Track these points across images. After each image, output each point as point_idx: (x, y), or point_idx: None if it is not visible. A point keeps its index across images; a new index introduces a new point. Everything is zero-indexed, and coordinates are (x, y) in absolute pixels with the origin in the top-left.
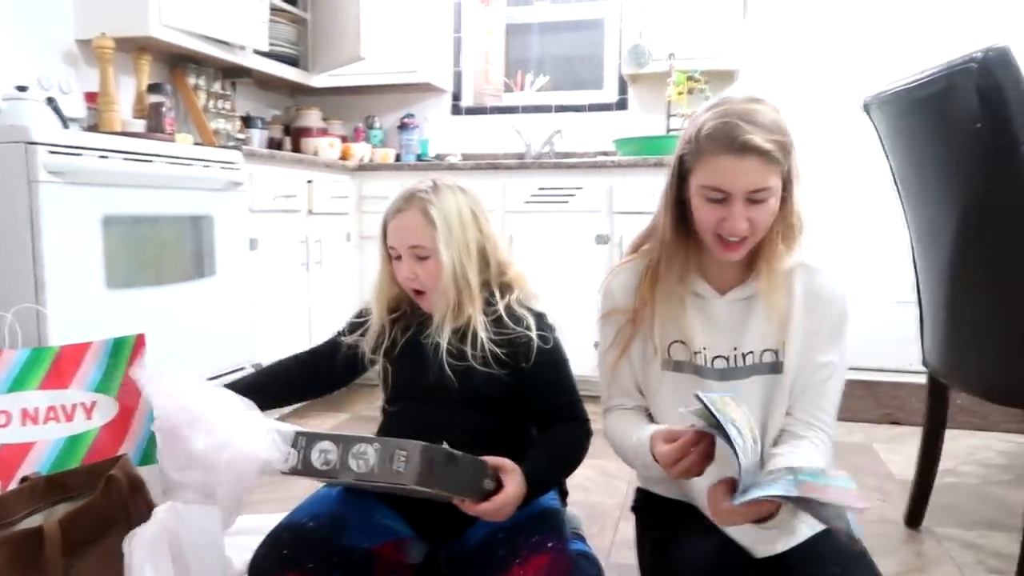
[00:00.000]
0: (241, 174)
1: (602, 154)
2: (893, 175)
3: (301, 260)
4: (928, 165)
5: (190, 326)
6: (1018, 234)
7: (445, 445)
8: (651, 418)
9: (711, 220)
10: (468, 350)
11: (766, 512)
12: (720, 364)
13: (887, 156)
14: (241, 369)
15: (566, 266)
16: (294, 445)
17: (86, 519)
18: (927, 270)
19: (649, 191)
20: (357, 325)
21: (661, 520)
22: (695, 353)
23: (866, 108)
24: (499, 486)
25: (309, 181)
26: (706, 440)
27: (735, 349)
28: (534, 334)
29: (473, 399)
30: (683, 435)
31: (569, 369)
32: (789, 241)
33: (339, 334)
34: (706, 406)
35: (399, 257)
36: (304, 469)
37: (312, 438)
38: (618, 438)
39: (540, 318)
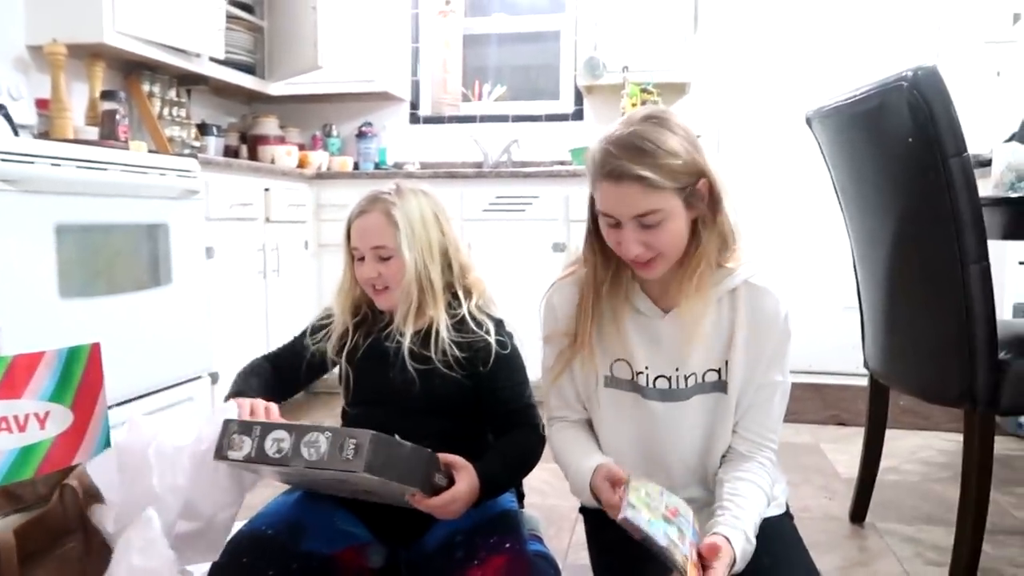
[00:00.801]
0: (197, 182)
1: (559, 163)
2: (835, 185)
3: (258, 268)
4: (866, 176)
5: (146, 335)
6: (948, 242)
7: (396, 437)
8: (593, 431)
9: (612, 243)
10: (431, 352)
11: None
12: (662, 384)
13: (828, 167)
14: (198, 378)
15: (523, 273)
16: (250, 434)
17: (40, 529)
18: (866, 277)
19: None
20: (320, 328)
21: (608, 521)
22: (637, 373)
23: (808, 122)
24: (451, 483)
25: (266, 189)
26: None
27: (677, 370)
28: (492, 339)
29: (433, 403)
30: (619, 479)
31: (525, 375)
32: (725, 256)
33: (302, 336)
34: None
35: (362, 258)
36: (258, 457)
37: (268, 427)
38: (560, 454)
39: (499, 324)
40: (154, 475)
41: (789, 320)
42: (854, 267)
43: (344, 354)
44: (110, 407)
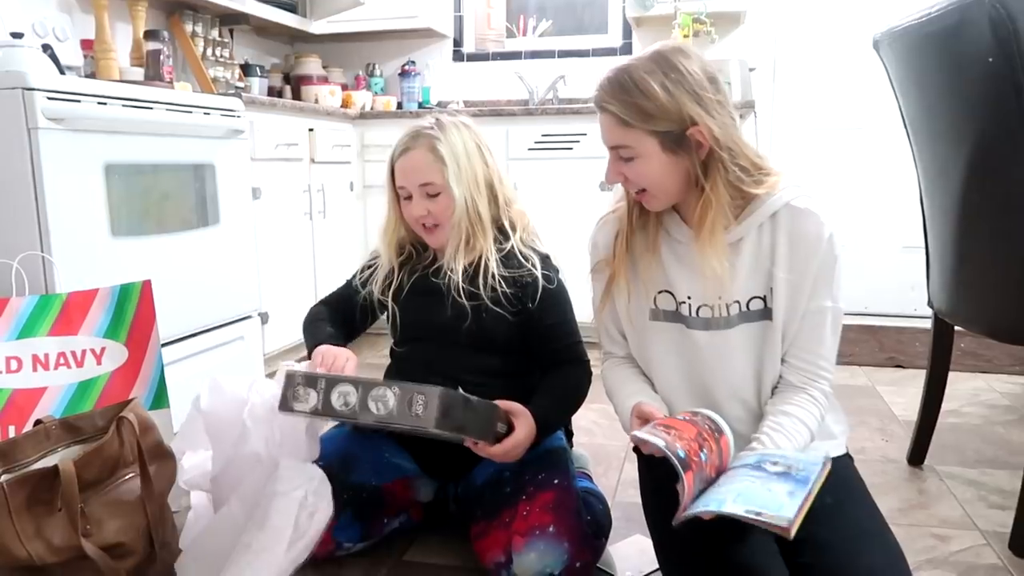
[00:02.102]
0: (242, 122)
1: None
2: (902, 114)
3: (304, 209)
4: (939, 102)
5: (194, 274)
6: None
7: (460, 390)
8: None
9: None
10: (479, 287)
11: None
12: (705, 313)
13: (896, 95)
14: (248, 318)
15: (570, 213)
16: (315, 387)
17: (99, 459)
18: (935, 209)
19: None
20: (367, 270)
21: (659, 460)
22: (680, 303)
23: (876, 45)
24: (510, 429)
25: (311, 129)
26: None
27: (720, 298)
28: (539, 274)
29: (481, 338)
30: (653, 417)
31: (572, 311)
32: (754, 185)
33: (351, 280)
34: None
35: (409, 197)
36: (324, 410)
37: (332, 381)
38: (609, 391)
39: (545, 259)
40: (254, 438)
41: (835, 242)
42: (920, 201)
43: (391, 293)
44: (162, 345)
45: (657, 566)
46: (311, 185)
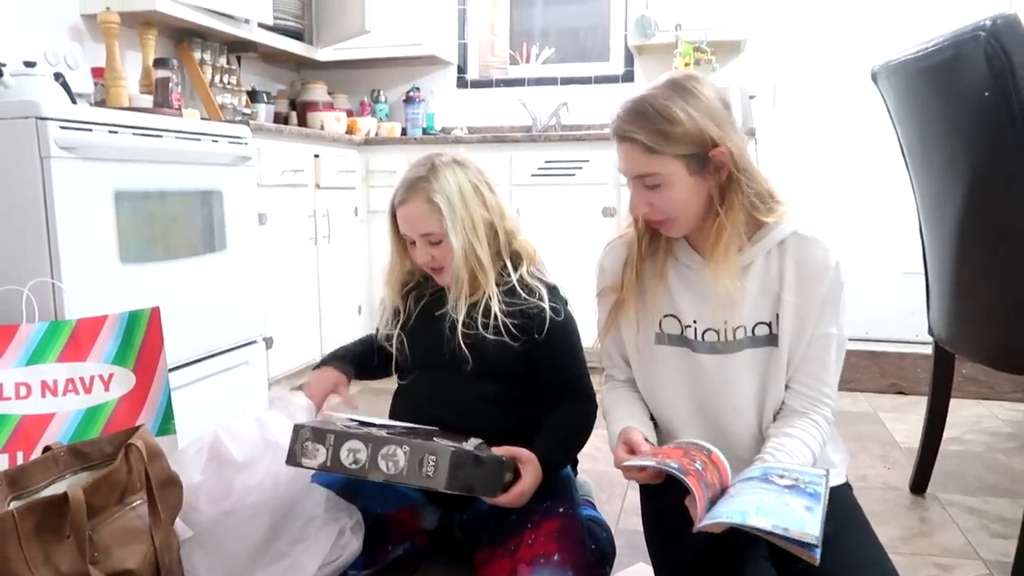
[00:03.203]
0: (249, 149)
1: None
2: (901, 145)
3: (310, 235)
4: (935, 134)
5: (201, 300)
6: (1021, 201)
7: (470, 445)
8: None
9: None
10: (481, 321)
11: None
12: (711, 337)
13: (895, 125)
14: (253, 343)
15: (573, 239)
16: (323, 442)
17: (107, 486)
18: (933, 239)
19: None
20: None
21: (662, 486)
22: (686, 326)
23: (874, 77)
24: (517, 475)
25: (316, 155)
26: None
27: (726, 322)
28: (547, 305)
29: (486, 368)
30: (639, 447)
31: (579, 343)
32: (766, 214)
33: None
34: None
35: (413, 243)
36: (333, 467)
37: (342, 437)
38: (605, 414)
39: (553, 291)
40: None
41: (840, 270)
42: (920, 229)
43: (399, 324)
44: (172, 369)
45: None
46: (316, 210)
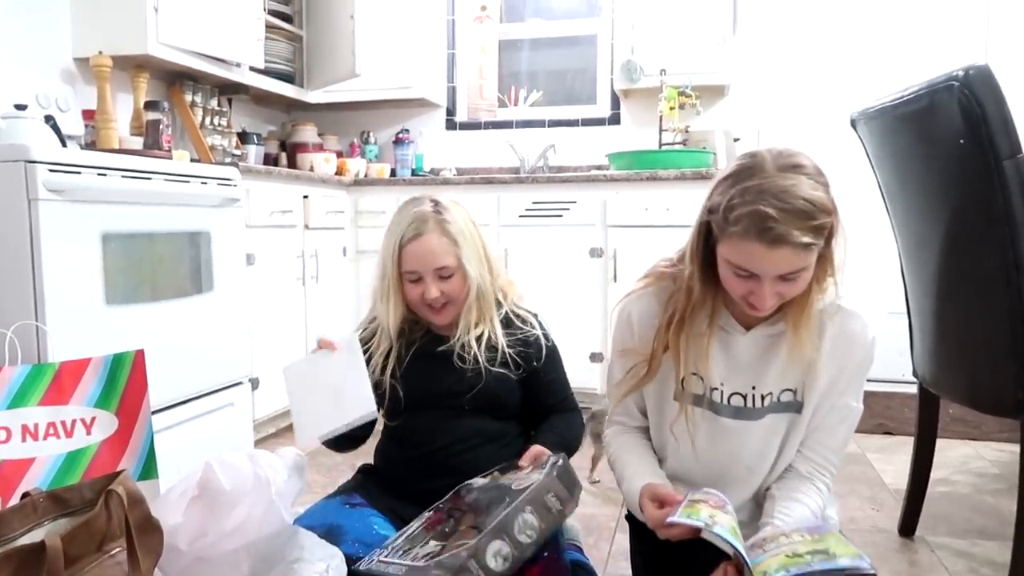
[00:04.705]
0: (238, 190)
1: (596, 168)
2: (880, 189)
3: (297, 275)
4: (915, 179)
5: (188, 341)
6: (1000, 246)
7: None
8: (650, 439)
9: (738, 291)
10: (486, 355)
11: None
12: (737, 402)
13: (874, 170)
14: (239, 384)
15: (561, 279)
16: None
17: (86, 534)
18: (915, 282)
19: (642, 205)
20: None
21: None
22: (712, 389)
23: (853, 123)
24: None
25: (305, 196)
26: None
27: (754, 388)
28: (540, 333)
29: (484, 403)
30: (669, 501)
31: (564, 366)
32: (823, 283)
33: None
34: (723, 539)
35: (417, 280)
36: None
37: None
38: (614, 460)
39: (537, 317)
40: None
41: (874, 347)
42: (901, 272)
43: (390, 370)
44: (154, 412)
45: None
46: (304, 251)
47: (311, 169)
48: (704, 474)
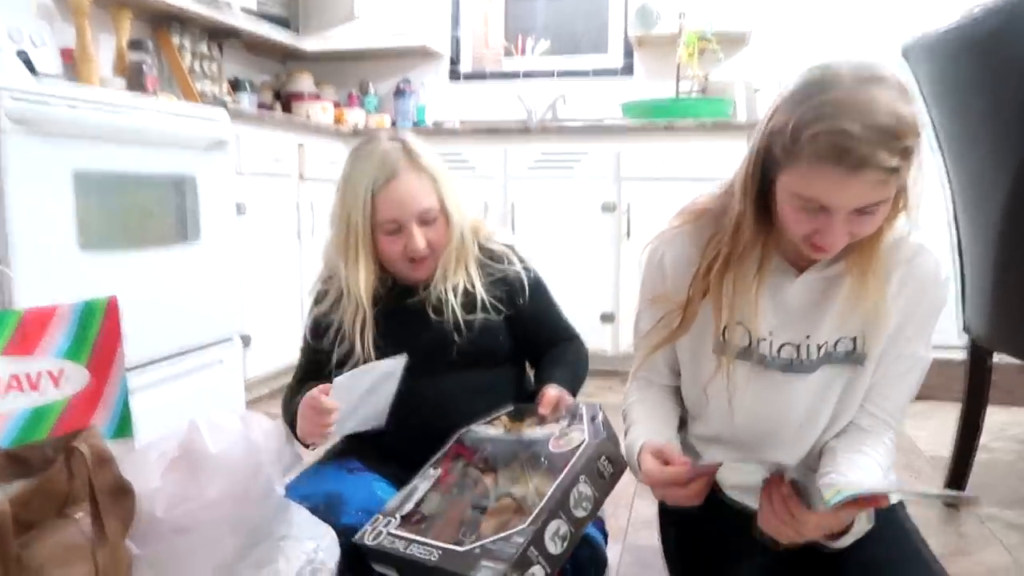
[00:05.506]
0: (226, 132)
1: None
2: (935, 129)
3: (293, 228)
4: (979, 114)
5: (172, 293)
6: None
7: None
8: (679, 399)
9: (801, 230)
10: (463, 302)
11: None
12: (787, 354)
13: (929, 109)
14: (228, 340)
15: (571, 235)
16: None
17: (41, 497)
18: (973, 231)
19: (658, 156)
20: (322, 328)
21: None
22: (760, 340)
23: (905, 53)
24: None
25: (300, 145)
26: (703, 479)
27: (808, 337)
28: (519, 266)
29: (472, 355)
30: (672, 459)
31: (553, 296)
32: (893, 219)
33: (309, 350)
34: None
35: (396, 231)
36: None
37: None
38: (626, 413)
39: (513, 249)
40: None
41: (948, 287)
42: (954, 221)
43: (367, 335)
44: (134, 368)
45: None
46: (300, 202)
47: (307, 117)
48: (746, 437)
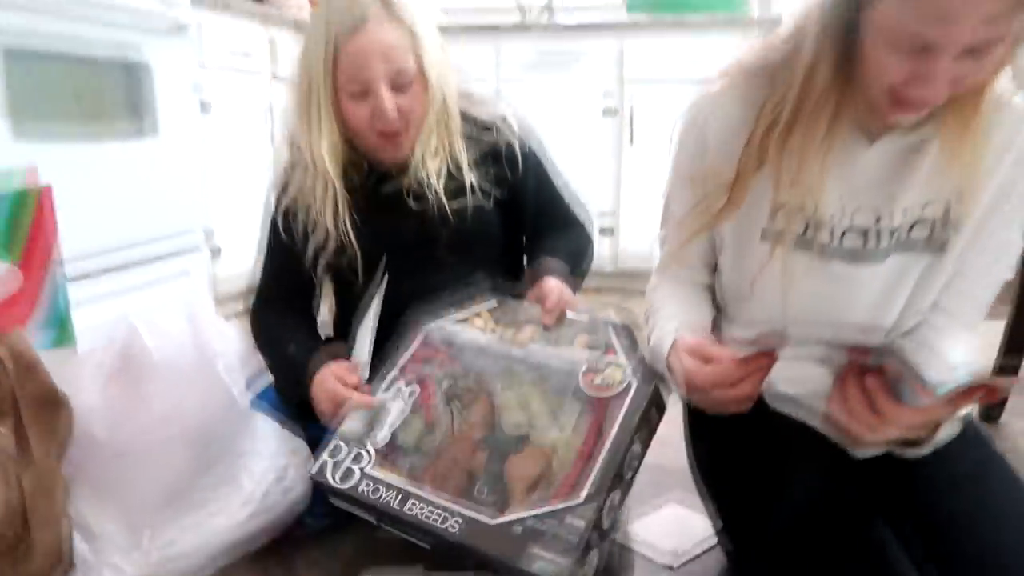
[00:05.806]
0: (184, 14)
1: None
2: None
3: (265, 131)
4: None
5: (125, 194)
6: None
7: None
8: (714, 299)
9: (894, 77)
10: (447, 184)
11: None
12: (852, 241)
13: None
14: (194, 250)
15: (569, 141)
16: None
17: None
18: None
19: (666, 56)
20: (290, 217)
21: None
22: (820, 223)
23: None
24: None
25: (272, 40)
26: (757, 375)
27: (879, 220)
28: (511, 137)
29: (464, 244)
30: (715, 356)
31: (556, 166)
32: (1002, 69)
33: (278, 250)
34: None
35: (363, 94)
36: None
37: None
38: (650, 312)
39: (504, 119)
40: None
41: None
42: None
43: (346, 222)
44: (84, 278)
45: (705, 542)
46: (272, 104)
47: (280, 10)
48: (800, 336)
